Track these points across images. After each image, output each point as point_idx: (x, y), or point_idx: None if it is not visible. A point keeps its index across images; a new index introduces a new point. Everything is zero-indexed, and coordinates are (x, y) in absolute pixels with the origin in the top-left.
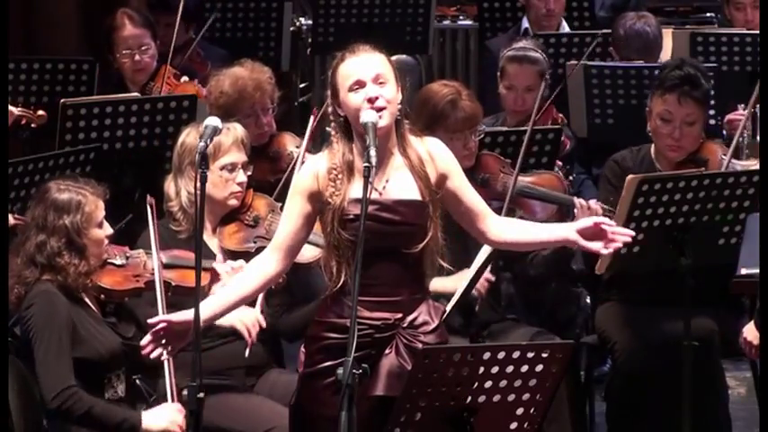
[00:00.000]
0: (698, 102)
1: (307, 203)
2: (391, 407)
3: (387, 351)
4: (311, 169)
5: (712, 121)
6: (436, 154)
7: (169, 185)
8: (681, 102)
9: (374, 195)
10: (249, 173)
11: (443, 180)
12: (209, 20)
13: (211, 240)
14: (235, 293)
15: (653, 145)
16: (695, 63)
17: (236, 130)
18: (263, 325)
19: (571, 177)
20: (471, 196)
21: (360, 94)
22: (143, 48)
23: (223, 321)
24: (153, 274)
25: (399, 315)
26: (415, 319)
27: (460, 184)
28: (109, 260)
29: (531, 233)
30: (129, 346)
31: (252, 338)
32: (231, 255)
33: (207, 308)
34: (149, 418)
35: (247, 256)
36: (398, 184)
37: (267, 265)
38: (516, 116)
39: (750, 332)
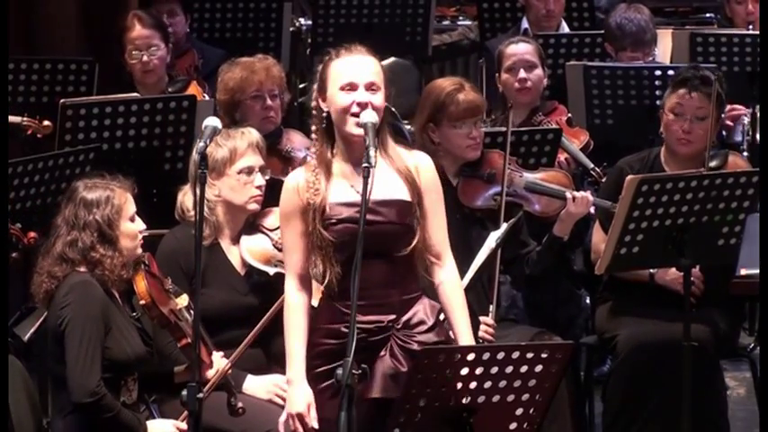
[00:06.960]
0: (708, 97)
1: (302, 223)
2: (387, 409)
3: (381, 353)
4: (291, 186)
5: None
6: (423, 168)
7: (185, 195)
8: (691, 94)
9: (356, 198)
10: (267, 177)
11: (421, 196)
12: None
13: (230, 250)
14: (302, 341)
15: (662, 148)
16: (712, 69)
17: (250, 134)
18: None
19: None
20: (438, 225)
21: (350, 95)
22: (152, 49)
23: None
24: (178, 312)
25: (392, 317)
26: (410, 319)
27: (433, 207)
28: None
29: (450, 312)
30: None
31: None
32: (251, 269)
33: (301, 368)
34: (155, 426)
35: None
36: (381, 186)
37: (301, 297)
38: (523, 96)
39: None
